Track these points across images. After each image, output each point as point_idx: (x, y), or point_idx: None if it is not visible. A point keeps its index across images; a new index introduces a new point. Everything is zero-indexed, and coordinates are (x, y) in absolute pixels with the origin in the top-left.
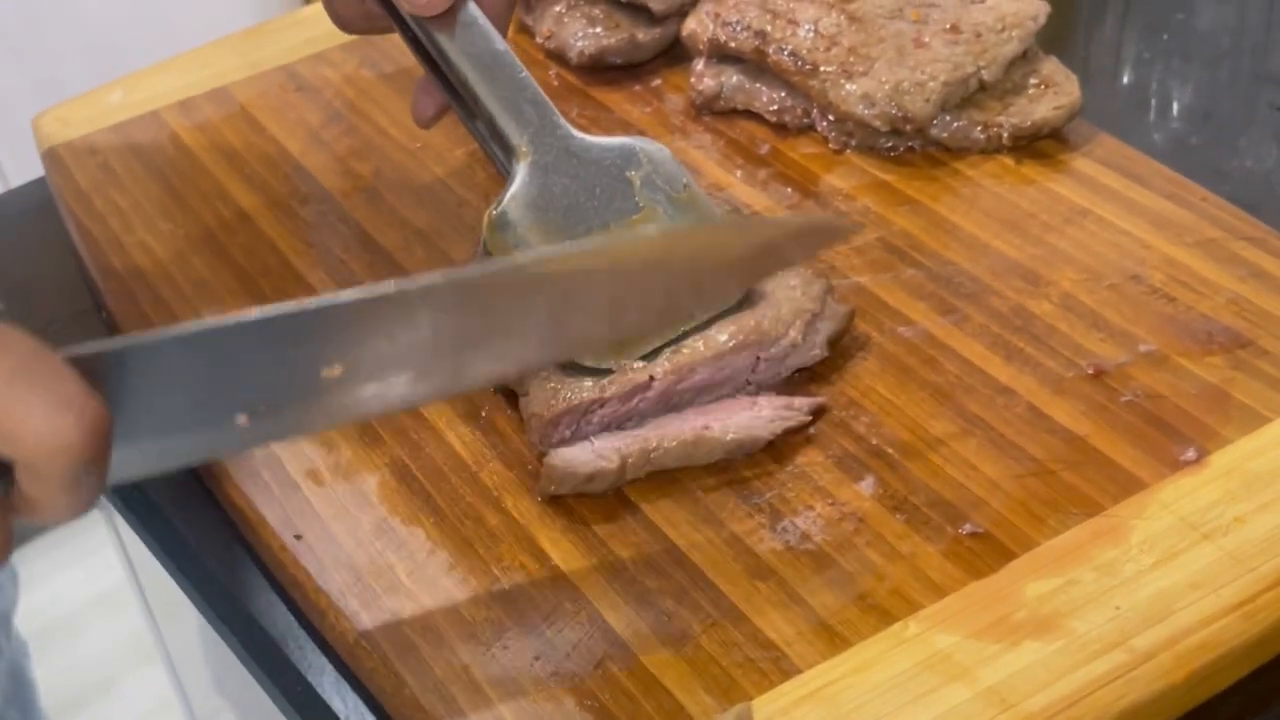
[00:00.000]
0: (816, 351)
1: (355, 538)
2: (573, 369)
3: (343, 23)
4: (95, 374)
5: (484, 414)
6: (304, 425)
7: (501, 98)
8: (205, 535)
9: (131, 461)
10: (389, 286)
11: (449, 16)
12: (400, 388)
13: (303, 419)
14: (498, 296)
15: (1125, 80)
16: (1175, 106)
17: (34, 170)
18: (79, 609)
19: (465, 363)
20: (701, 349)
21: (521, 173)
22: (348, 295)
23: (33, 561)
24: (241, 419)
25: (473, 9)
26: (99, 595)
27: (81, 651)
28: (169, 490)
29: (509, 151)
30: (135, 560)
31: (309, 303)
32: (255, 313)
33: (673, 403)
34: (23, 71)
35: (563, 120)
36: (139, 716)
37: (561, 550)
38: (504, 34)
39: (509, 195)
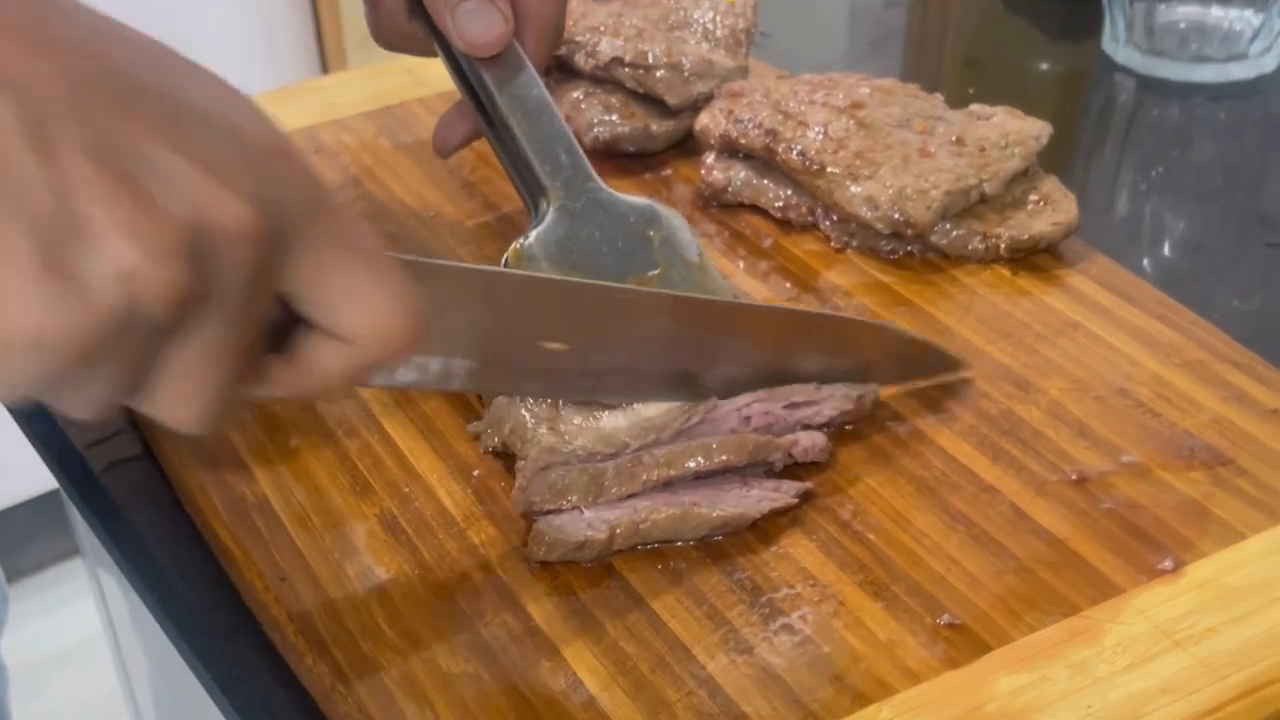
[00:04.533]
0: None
1: (339, 584)
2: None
3: (383, 40)
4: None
5: (476, 474)
6: (512, 387)
7: (539, 140)
8: (188, 570)
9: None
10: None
11: (499, 58)
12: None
13: (514, 382)
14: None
15: (1120, 208)
16: (1167, 237)
17: None
18: (49, 659)
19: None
20: (701, 461)
21: (550, 214)
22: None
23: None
24: (469, 363)
25: (520, 53)
26: (70, 648)
27: (48, 705)
28: (156, 523)
29: (540, 191)
30: (114, 614)
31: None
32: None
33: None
34: None
35: (592, 170)
36: None
37: (544, 611)
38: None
39: (536, 232)
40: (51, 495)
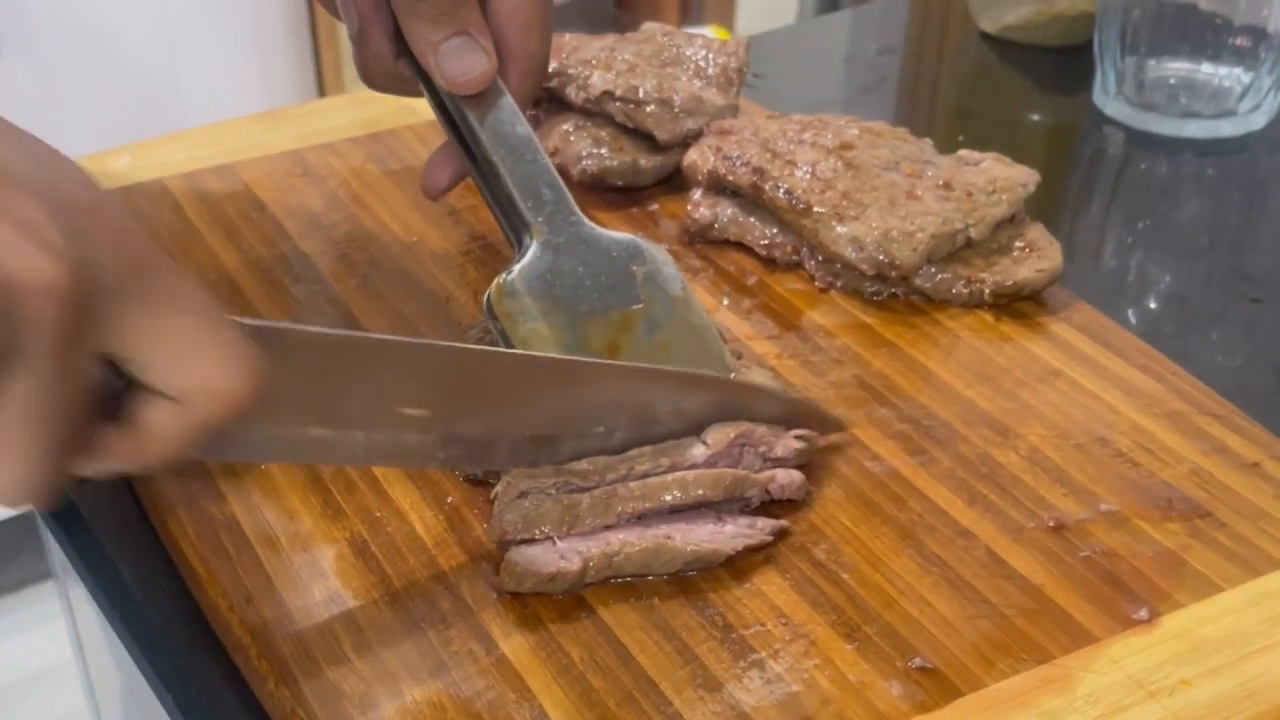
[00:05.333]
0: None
1: (305, 607)
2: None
3: (371, 81)
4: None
5: (450, 500)
6: (365, 457)
7: (522, 176)
8: (153, 589)
9: (232, 440)
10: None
11: (482, 96)
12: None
13: (368, 450)
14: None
15: (1105, 259)
16: (1151, 290)
17: None
18: (23, 680)
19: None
20: (678, 494)
21: (533, 248)
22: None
23: None
24: (321, 432)
25: (504, 93)
26: (44, 669)
27: None
28: (124, 541)
29: (523, 226)
30: (84, 635)
31: (432, 343)
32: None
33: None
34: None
35: (575, 206)
36: None
37: (512, 642)
38: (526, 114)
39: (519, 267)
40: (26, 517)
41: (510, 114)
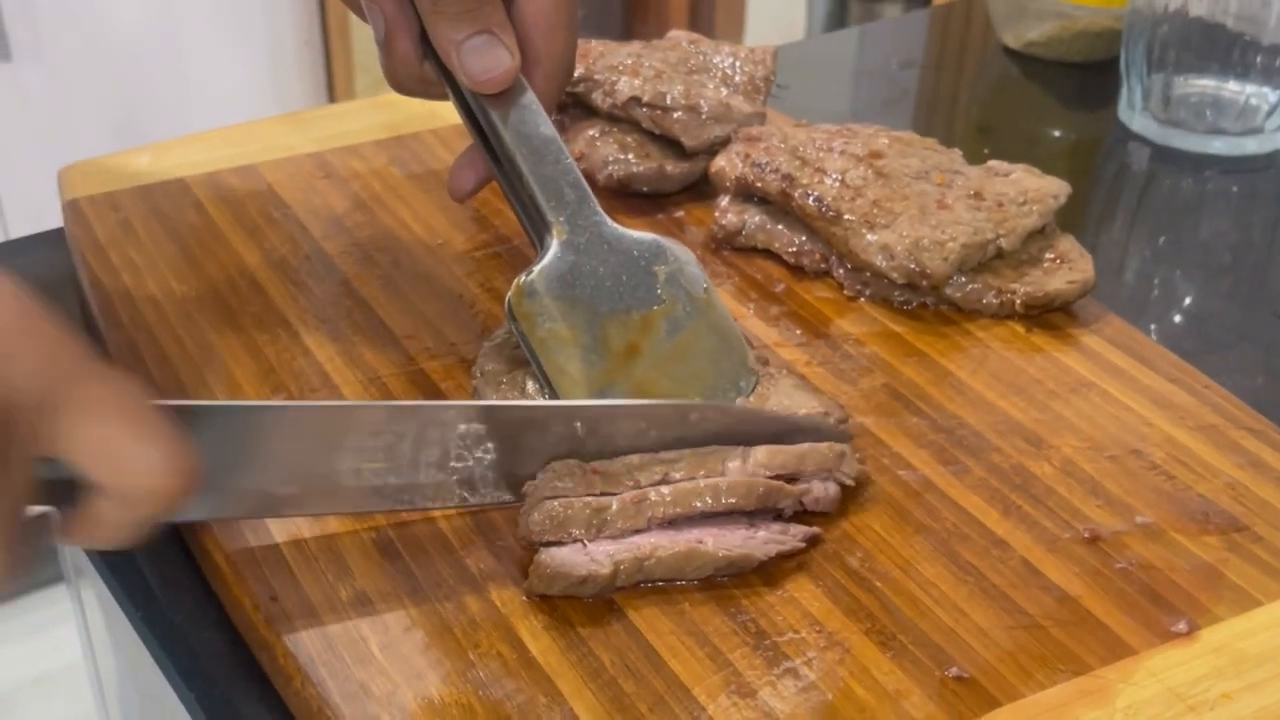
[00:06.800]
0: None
1: (331, 607)
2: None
3: (398, 84)
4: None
5: None
6: (339, 508)
7: (544, 177)
8: (175, 587)
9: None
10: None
11: (506, 95)
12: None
13: (340, 503)
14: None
15: (1130, 273)
16: (1176, 305)
17: (35, 226)
18: (26, 685)
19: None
20: (709, 501)
21: (554, 248)
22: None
23: None
24: (283, 490)
25: (528, 92)
26: (47, 674)
27: None
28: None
29: (545, 227)
30: (95, 639)
31: (369, 404)
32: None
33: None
34: (44, 131)
35: (599, 208)
36: None
37: (541, 645)
38: (551, 117)
39: (539, 267)
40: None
41: (534, 114)
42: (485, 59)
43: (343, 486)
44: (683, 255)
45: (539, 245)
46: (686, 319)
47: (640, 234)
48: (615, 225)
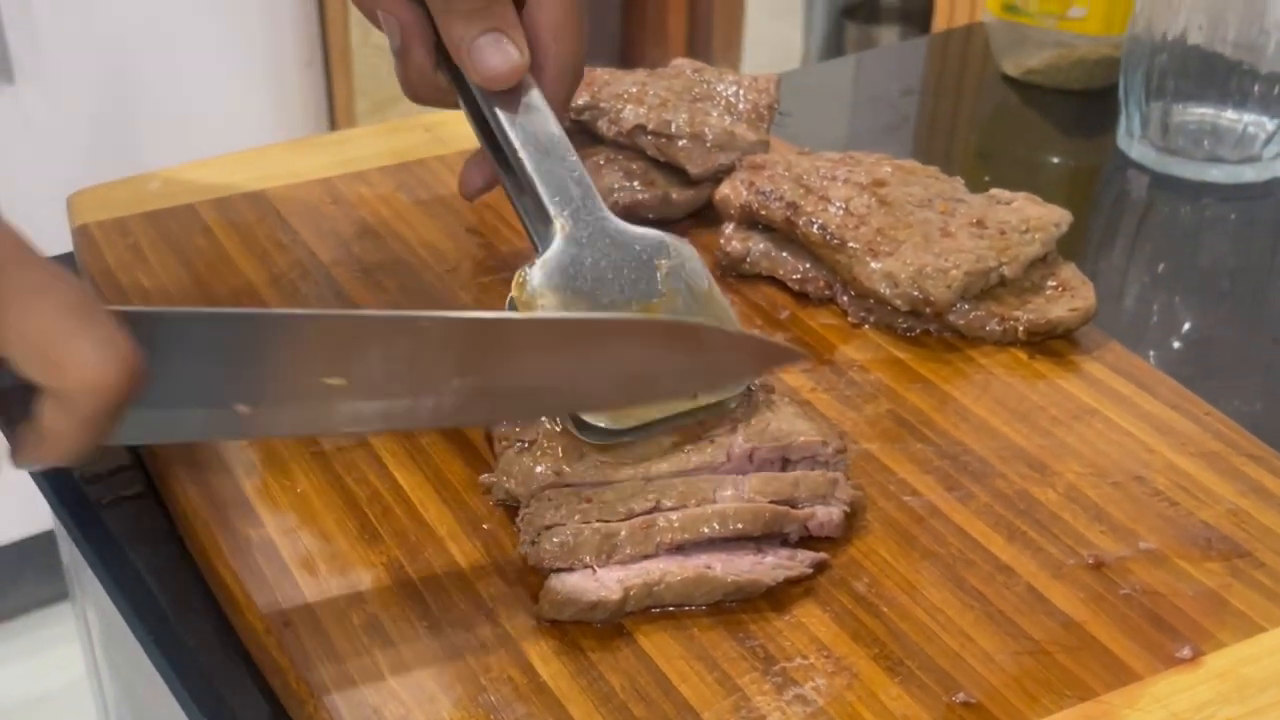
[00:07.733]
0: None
1: (343, 631)
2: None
3: (413, 92)
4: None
5: (486, 527)
6: (299, 427)
7: (549, 173)
8: (187, 612)
9: (136, 425)
10: (410, 314)
11: (515, 96)
12: (398, 412)
13: (300, 421)
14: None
15: (1129, 300)
16: (1174, 332)
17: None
18: (27, 704)
19: (467, 400)
20: (717, 527)
21: (557, 241)
22: (370, 314)
23: None
24: (243, 408)
25: (536, 92)
26: (49, 693)
27: None
28: (156, 563)
29: (548, 224)
30: (100, 658)
31: (331, 312)
32: (279, 310)
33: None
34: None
35: (602, 204)
36: None
37: (551, 669)
38: (562, 121)
39: (541, 260)
40: (36, 539)
41: (542, 115)
42: (495, 55)
43: (297, 400)
44: (685, 251)
45: (543, 244)
46: (687, 312)
47: (643, 229)
48: (619, 221)
